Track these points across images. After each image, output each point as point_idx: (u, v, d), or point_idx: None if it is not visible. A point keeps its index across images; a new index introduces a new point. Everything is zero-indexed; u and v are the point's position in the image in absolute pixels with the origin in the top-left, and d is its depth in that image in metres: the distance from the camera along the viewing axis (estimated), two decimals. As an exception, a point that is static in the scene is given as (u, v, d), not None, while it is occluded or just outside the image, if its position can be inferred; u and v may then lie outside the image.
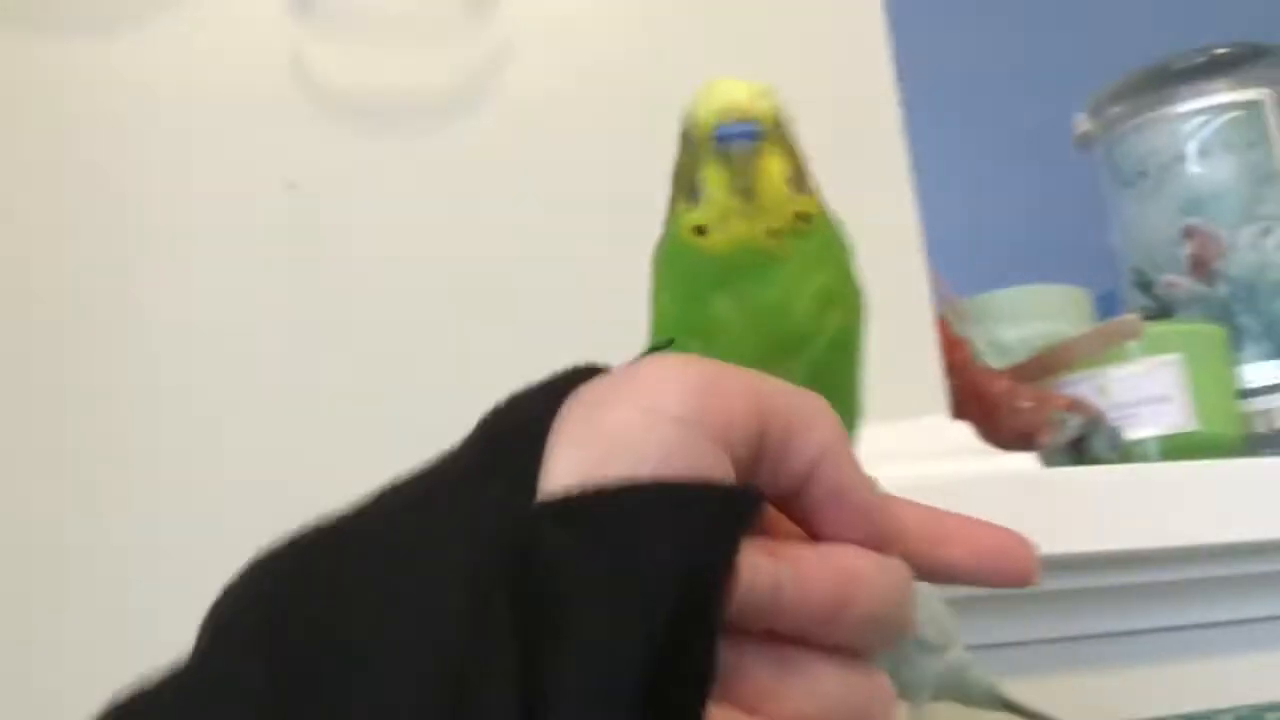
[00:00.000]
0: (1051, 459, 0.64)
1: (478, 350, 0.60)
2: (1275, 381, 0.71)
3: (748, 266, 0.36)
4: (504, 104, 0.63)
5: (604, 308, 0.62)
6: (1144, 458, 0.66)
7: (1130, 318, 0.64)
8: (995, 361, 0.73)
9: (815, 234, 0.37)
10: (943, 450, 0.63)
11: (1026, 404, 0.64)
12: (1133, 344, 0.66)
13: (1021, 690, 0.59)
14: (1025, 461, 0.61)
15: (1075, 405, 0.62)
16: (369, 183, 0.61)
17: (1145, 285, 0.77)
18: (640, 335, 0.61)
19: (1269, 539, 0.61)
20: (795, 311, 0.37)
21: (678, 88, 0.65)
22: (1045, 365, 0.66)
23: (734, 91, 0.37)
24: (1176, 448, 0.65)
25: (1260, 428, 0.72)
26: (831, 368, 0.38)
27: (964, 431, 0.64)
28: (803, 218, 0.36)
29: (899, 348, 0.65)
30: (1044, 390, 0.64)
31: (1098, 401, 0.66)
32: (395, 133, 0.62)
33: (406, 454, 0.58)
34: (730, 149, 0.35)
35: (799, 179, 0.37)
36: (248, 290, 0.59)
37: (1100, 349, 0.64)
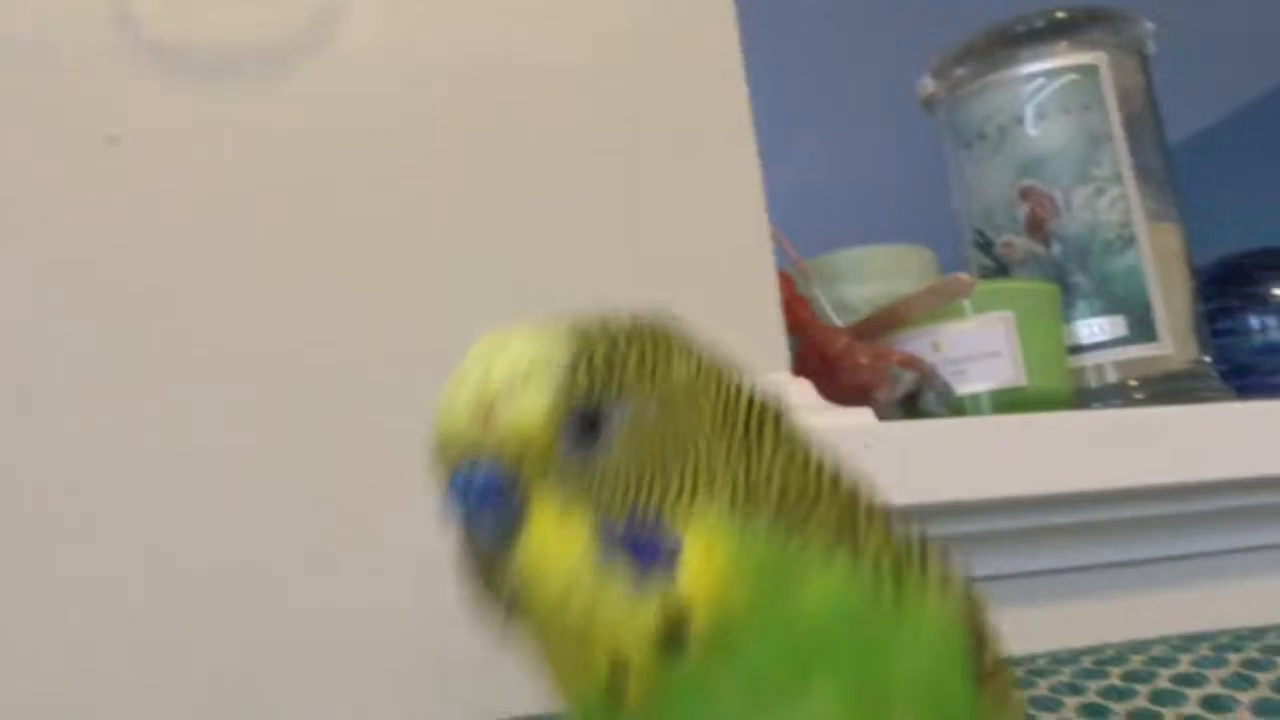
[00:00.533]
0: (887, 413, 0.65)
1: (305, 305, 0.59)
2: (1105, 338, 0.74)
3: None
4: (335, 58, 0.62)
5: (435, 261, 0.61)
6: (976, 411, 0.67)
7: (962, 276, 0.65)
8: (841, 320, 0.74)
9: (746, 634, 0.20)
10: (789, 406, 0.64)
11: (864, 361, 0.65)
12: (966, 301, 0.67)
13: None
14: (862, 416, 0.62)
15: (909, 361, 0.64)
16: (195, 138, 0.59)
17: (985, 246, 0.78)
18: (474, 293, 0.61)
19: (1094, 489, 0.63)
20: None
21: (512, 44, 0.65)
22: (883, 323, 0.67)
23: (461, 397, 0.20)
24: (1007, 402, 0.66)
25: (1091, 382, 0.74)
26: None
27: (805, 388, 0.65)
28: (673, 622, 0.19)
29: (742, 308, 0.65)
30: (881, 347, 0.66)
31: (933, 357, 0.67)
32: (223, 86, 0.61)
33: (230, 421, 0.57)
34: (463, 528, 0.20)
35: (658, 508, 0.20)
36: (66, 249, 0.57)
37: (934, 306, 0.65)
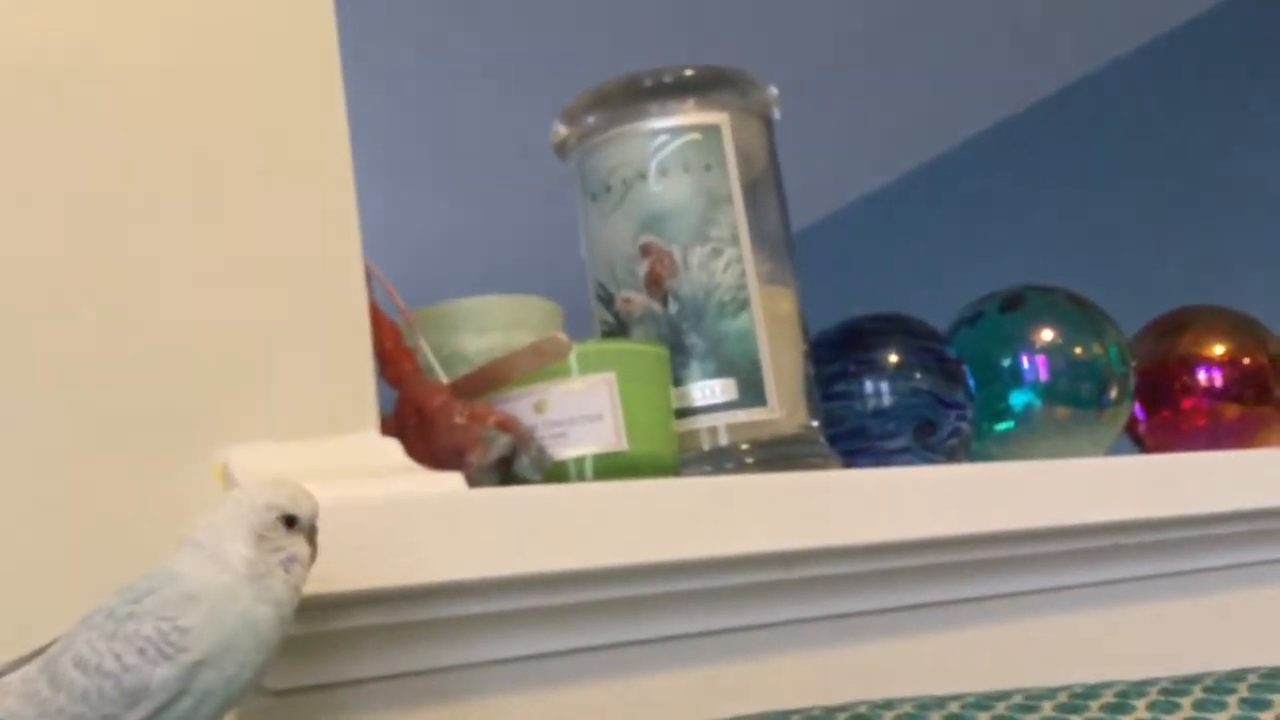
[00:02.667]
0: (481, 478, 0.61)
1: None
2: (717, 400, 0.73)
3: None
4: None
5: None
6: (580, 477, 0.65)
7: (558, 336, 0.63)
8: (459, 372, 0.71)
9: None
10: (370, 469, 0.59)
11: (460, 420, 0.61)
12: (573, 361, 0.65)
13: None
14: (450, 481, 0.58)
15: (505, 423, 0.61)
16: None
17: (607, 301, 0.77)
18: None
19: (691, 558, 0.61)
20: None
21: (93, 49, 0.58)
22: (485, 380, 0.64)
23: None
24: (608, 467, 0.64)
25: (705, 445, 0.73)
26: None
27: (392, 449, 0.60)
28: None
29: (327, 357, 0.60)
30: (479, 406, 0.62)
31: (536, 419, 0.64)
32: None
33: None
34: None
35: None
36: None
37: (533, 366, 0.62)
